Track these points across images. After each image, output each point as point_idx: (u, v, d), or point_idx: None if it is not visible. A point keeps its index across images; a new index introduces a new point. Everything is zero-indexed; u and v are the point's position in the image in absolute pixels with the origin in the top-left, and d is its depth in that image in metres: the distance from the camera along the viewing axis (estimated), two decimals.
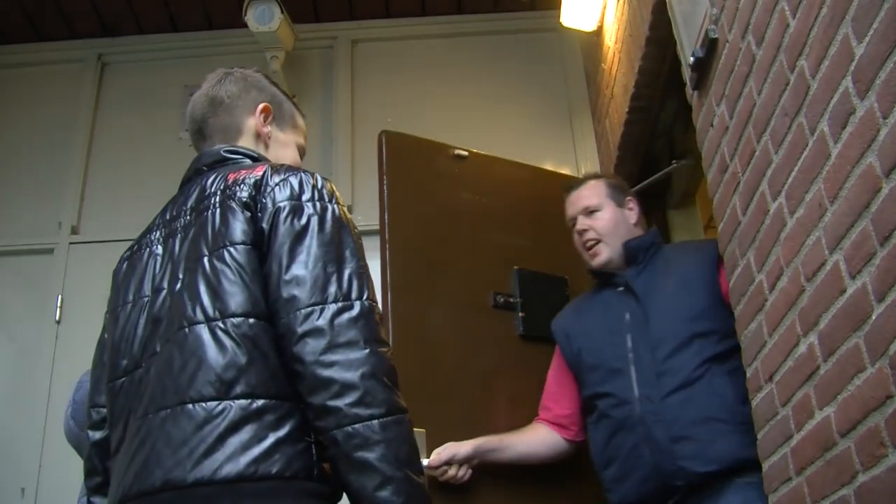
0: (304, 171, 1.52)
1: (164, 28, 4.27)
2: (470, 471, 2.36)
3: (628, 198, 2.56)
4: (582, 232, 2.48)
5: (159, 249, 1.56)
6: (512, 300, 2.75)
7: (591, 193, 2.52)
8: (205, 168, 1.63)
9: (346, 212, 1.51)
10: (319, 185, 1.50)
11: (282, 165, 1.56)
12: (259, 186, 1.48)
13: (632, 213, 2.53)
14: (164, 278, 1.50)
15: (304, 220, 1.43)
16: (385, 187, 2.69)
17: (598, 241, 2.45)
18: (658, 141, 3.22)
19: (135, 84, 4.25)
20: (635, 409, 2.21)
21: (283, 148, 1.74)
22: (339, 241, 1.44)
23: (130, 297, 1.54)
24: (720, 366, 2.16)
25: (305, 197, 1.46)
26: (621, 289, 2.40)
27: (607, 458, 2.27)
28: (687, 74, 2.26)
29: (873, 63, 1.32)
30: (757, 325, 1.88)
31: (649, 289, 2.36)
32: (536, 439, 2.46)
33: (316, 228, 1.43)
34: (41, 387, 3.55)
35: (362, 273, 1.43)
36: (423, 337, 2.55)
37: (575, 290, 2.84)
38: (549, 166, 3.70)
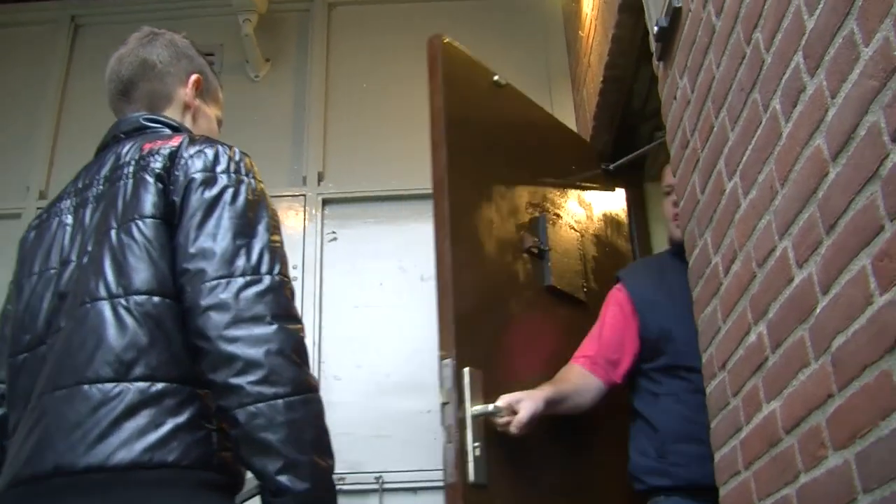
0: (222, 144, 1.46)
1: None
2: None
3: None
4: (677, 203, 2.24)
5: (69, 219, 1.49)
6: (542, 248, 2.62)
7: None
8: (122, 135, 1.56)
9: (265, 189, 1.44)
10: (237, 158, 1.43)
11: (199, 136, 1.49)
12: (173, 158, 1.42)
13: None
14: (73, 250, 1.44)
15: (215, 191, 1.37)
16: (441, 99, 2.46)
17: None
18: (634, 110, 3.11)
19: (108, 46, 4.06)
20: None
21: (208, 122, 1.70)
22: (253, 214, 1.38)
23: (37, 269, 1.47)
24: None
25: (220, 168, 1.40)
26: None
27: (688, 434, 2.12)
28: (653, 44, 2.16)
29: (822, 38, 1.23)
30: (712, 310, 1.81)
31: None
32: (583, 386, 2.29)
33: (228, 200, 1.37)
34: None
35: (275, 248, 1.37)
36: (477, 273, 2.35)
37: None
38: None
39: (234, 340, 1.25)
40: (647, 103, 3.04)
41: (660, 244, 3.32)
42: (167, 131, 1.56)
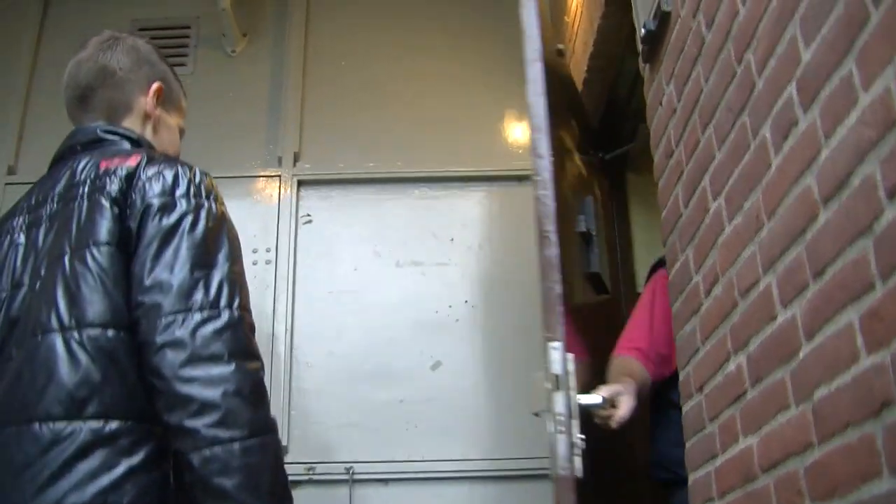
0: (182, 164, 1.38)
1: None
2: None
3: None
4: None
5: (21, 238, 1.41)
6: (592, 232, 2.49)
7: None
8: (78, 147, 1.48)
9: (226, 211, 1.37)
10: (197, 180, 1.36)
11: (158, 156, 1.41)
12: (130, 180, 1.34)
13: None
14: (26, 273, 1.36)
15: (173, 219, 1.30)
16: (540, 52, 2.23)
17: None
18: (618, 100, 3.05)
19: (81, 18, 3.91)
20: None
21: (169, 132, 1.61)
22: (212, 243, 1.31)
23: None
24: None
25: (179, 192, 1.33)
26: None
27: None
28: (639, 44, 2.09)
29: (818, 74, 1.17)
30: (692, 328, 1.76)
31: None
32: (643, 382, 2.17)
33: (187, 228, 1.30)
34: None
35: (235, 279, 1.30)
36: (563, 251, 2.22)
37: None
38: (509, 116, 3.55)
39: (189, 381, 1.19)
40: (631, 94, 2.97)
41: (640, 235, 3.28)
42: (126, 145, 1.48)
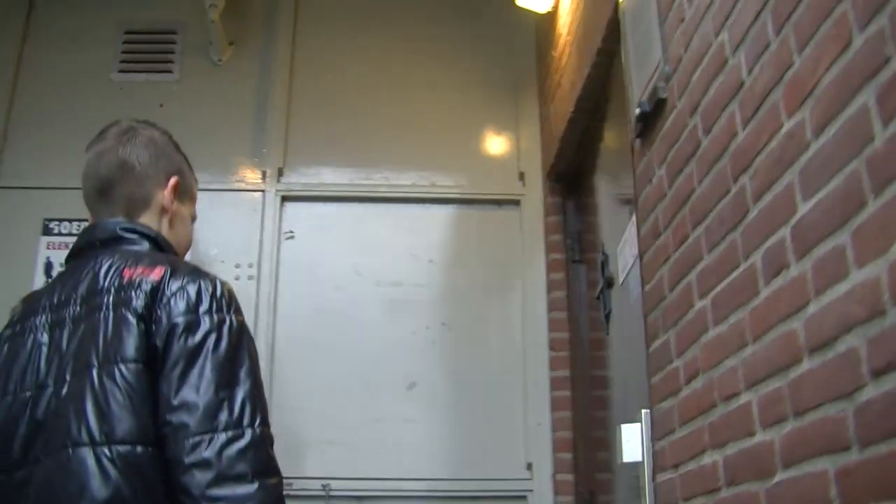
0: (204, 277, 1.46)
1: None
2: None
3: None
4: None
5: (44, 338, 1.46)
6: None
7: None
8: (98, 243, 1.53)
9: (244, 320, 1.45)
10: (219, 294, 1.44)
11: (181, 268, 1.48)
12: (155, 294, 1.42)
13: None
14: (50, 375, 1.42)
15: (198, 338, 1.38)
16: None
17: None
18: None
19: (66, 20, 3.83)
20: None
21: (184, 225, 1.68)
22: (234, 360, 1.39)
23: (12, 388, 1.45)
24: None
25: (203, 309, 1.41)
26: None
27: None
28: (631, 118, 2.16)
29: (814, 231, 1.25)
30: (669, 408, 1.87)
31: None
32: None
33: (211, 347, 1.38)
34: None
35: (255, 395, 1.40)
36: None
37: None
38: (490, 133, 3.64)
39: (216, 500, 1.28)
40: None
41: None
42: (145, 244, 1.54)
